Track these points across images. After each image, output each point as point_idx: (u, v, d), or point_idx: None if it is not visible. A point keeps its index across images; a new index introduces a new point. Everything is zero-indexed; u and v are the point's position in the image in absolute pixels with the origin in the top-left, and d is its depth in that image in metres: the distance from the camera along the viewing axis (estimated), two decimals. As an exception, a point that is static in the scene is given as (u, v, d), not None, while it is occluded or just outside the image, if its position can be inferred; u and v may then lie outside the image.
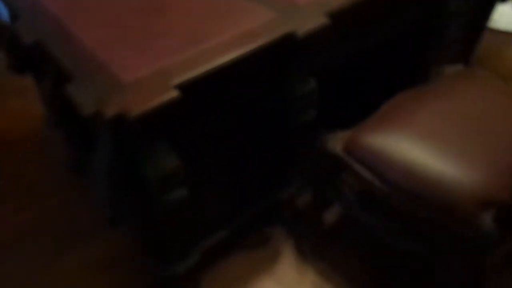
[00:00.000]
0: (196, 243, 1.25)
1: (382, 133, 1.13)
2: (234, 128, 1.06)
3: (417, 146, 1.06)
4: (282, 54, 0.97)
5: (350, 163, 1.13)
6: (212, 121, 0.99)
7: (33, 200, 1.54)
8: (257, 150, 1.21)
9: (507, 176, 1.02)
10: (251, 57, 0.91)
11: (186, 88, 0.82)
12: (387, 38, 1.29)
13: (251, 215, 1.37)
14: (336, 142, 1.18)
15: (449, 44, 1.54)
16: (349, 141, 1.15)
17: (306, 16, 0.98)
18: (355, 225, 1.40)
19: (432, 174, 1.00)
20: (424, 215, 1.04)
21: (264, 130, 1.15)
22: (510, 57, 2.09)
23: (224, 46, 0.90)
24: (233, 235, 1.34)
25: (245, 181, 1.27)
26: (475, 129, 1.09)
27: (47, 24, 0.98)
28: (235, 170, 1.21)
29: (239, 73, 0.94)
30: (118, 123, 0.77)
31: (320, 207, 1.46)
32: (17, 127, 1.80)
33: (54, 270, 1.35)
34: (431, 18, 1.42)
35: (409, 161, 1.04)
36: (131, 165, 0.87)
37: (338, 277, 1.36)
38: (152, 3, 1.02)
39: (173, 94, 0.79)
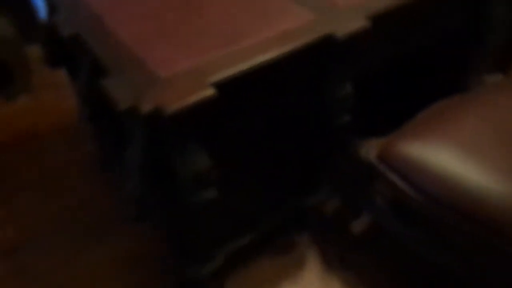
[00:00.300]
0: (221, 246, 1.23)
1: (420, 142, 1.09)
2: (266, 130, 1.04)
3: (458, 157, 1.02)
4: (320, 56, 0.95)
5: (384, 171, 1.09)
6: (245, 122, 0.97)
7: (60, 193, 1.55)
8: (287, 154, 1.19)
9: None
10: (288, 58, 0.88)
11: (222, 86, 0.80)
12: (426, 44, 1.25)
13: (278, 220, 1.35)
14: (370, 149, 1.14)
15: (490, 52, 1.48)
16: (384, 148, 1.11)
17: (346, 18, 0.95)
18: (385, 235, 1.36)
19: (476, 188, 0.96)
20: (465, 230, 0.99)
21: (296, 133, 1.13)
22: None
23: (261, 46, 0.88)
24: (258, 239, 1.32)
25: (274, 184, 1.25)
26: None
27: (85, 17, 0.99)
28: (265, 173, 1.19)
29: (275, 74, 0.91)
30: (153, 119, 0.75)
31: (348, 215, 1.43)
32: (49, 121, 1.82)
33: (77, 264, 1.35)
34: (473, 25, 1.37)
35: (449, 172, 0.99)
36: (163, 162, 0.86)
37: (364, 288, 1.32)
38: (190, 1, 1.01)
39: (209, 92, 0.77)
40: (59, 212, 1.49)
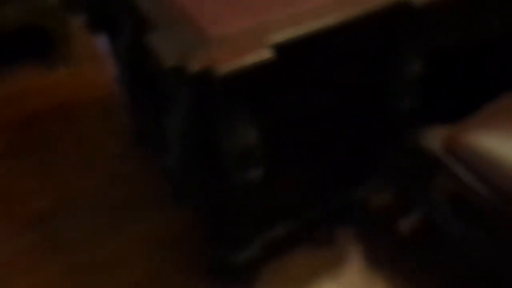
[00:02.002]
0: (259, 233, 1.15)
1: (492, 133, 0.98)
2: (322, 107, 0.94)
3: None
4: (391, 25, 0.83)
5: (450, 164, 0.99)
6: (301, 96, 0.88)
7: (95, 166, 1.51)
8: (340, 138, 1.09)
9: None
10: (356, 23, 0.78)
11: (281, 50, 0.70)
12: (505, 30, 1.11)
13: (322, 210, 1.25)
14: (434, 139, 1.04)
15: None
16: (452, 138, 1.00)
17: (425, -16, 0.83)
18: (438, 236, 1.25)
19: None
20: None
21: (353, 115, 1.02)
22: None
23: (326, 9, 0.77)
24: (300, 229, 1.24)
25: (321, 171, 1.16)
26: None
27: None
28: (313, 157, 1.09)
29: (338, 42, 0.81)
30: (201, 81, 0.66)
31: (400, 210, 1.32)
32: (87, 92, 1.79)
33: (109, 240, 1.31)
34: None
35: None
36: (209, 134, 0.77)
37: (410, 292, 1.22)
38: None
39: (267, 54, 0.67)
40: (94, 186, 1.45)
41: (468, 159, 0.96)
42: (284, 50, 0.71)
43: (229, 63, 0.65)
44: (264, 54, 0.67)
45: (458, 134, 0.99)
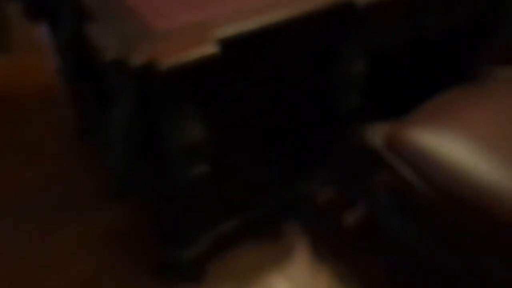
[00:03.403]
0: (206, 229, 1.14)
1: (431, 130, 1.01)
2: (266, 103, 0.94)
3: (471, 149, 0.94)
4: (335, 24, 0.85)
5: (390, 159, 1.02)
6: (246, 92, 0.87)
7: (35, 162, 1.45)
8: (286, 133, 1.09)
9: None
10: (301, 21, 0.78)
11: (226, 45, 0.70)
12: (443, 29, 1.16)
13: (269, 205, 1.26)
14: (376, 135, 1.07)
15: (503, 44, 1.41)
16: (392, 135, 1.03)
17: (368, -15, 0.85)
18: (380, 229, 1.29)
19: (488, 183, 0.88)
20: (473, 228, 0.92)
21: (298, 111, 1.03)
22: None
23: (273, 4, 0.77)
24: (246, 225, 1.23)
25: (267, 166, 1.16)
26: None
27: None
28: (259, 154, 1.10)
29: (284, 38, 0.81)
30: (146, 74, 0.65)
31: (343, 205, 1.36)
32: (25, 84, 1.70)
33: (52, 239, 1.26)
34: (489, 15, 1.29)
35: (463, 165, 0.92)
36: (153, 129, 0.75)
37: (354, 283, 1.26)
38: None
39: (213, 48, 0.67)
40: (33, 182, 1.39)
41: (408, 155, 0.99)
42: (229, 45, 0.70)
43: (173, 57, 0.64)
44: (209, 48, 0.66)
45: (398, 131, 1.03)
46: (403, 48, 1.09)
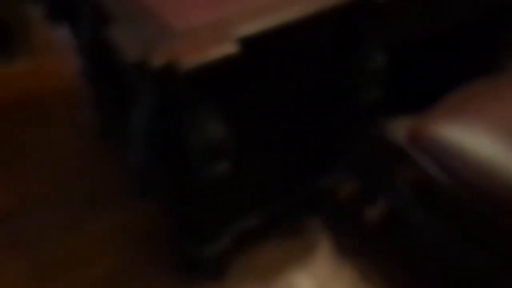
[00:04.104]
0: (228, 226, 1.14)
1: (455, 124, 0.99)
2: (287, 99, 0.94)
3: (497, 142, 0.92)
4: (356, 18, 0.84)
5: (413, 154, 1.00)
6: (266, 89, 0.87)
7: (59, 160, 1.47)
8: (305, 129, 1.09)
9: None
10: (320, 17, 0.77)
11: (246, 43, 0.70)
12: (466, 20, 1.14)
13: (290, 201, 1.26)
14: (398, 130, 1.05)
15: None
16: (415, 129, 1.01)
17: (388, -23, 0.84)
18: (402, 224, 1.28)
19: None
20: (498, 222, 0.90)
21: (318, 106, 1.03)
22: None
23: (291, 2, 0.77)
24: (268, 221, 1.23)
25: (288, 162, 1.16)
26: None
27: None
28: (279, 150, 1.09)
29: (303, 35, 0.81)
30: (166, 75, 0.65)
31: (365, 200, 1.35)
32: (49, 84, 1.73)
33: (73, 236, 1.28)
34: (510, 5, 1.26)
35: (490, 158, 0.90)
36: (173, 128, 0.76)
37: (376, 278, 1.25)
38: None
39: (233, 47, 0.66)
40: (57, 181, 1.41)
41: (431, 149, 0.97)
42: (248, 43, 0.70)
43: (193, 58, 0.64)
44: (229, 47, 0.66)
45: (421, 125, 1.01)
46: (424, 41, 1.07)
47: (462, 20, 1.12)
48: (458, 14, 1.10)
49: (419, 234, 1.16)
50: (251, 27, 0.70)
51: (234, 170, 0.86)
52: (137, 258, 1.23)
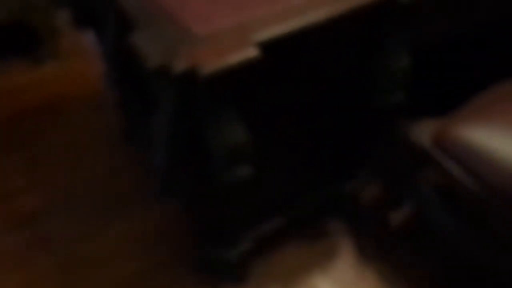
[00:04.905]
0: (250, 228, 1.14)
1: (482, 127, 0.97)
2: (308, 102, 0.93)
3: (525, 146, 0.90)
4: (380, 19, 0.82)
5: (438, 157, 0.98)
6: (288, 93, 0.86)
7: (84, 163, 1.50)
8: (328, 132, 1.08)
9: None
10: (343, 18, 0.77)
11: (267, 47, 0.69)
12: (492, 20, 1.11)
13: (312, 205, 1.25)
14: (423, 132, 1.03)
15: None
16: (440, 132, 0.99)
17: (411, -22, 0.82)
18: (427, 229, 1.25)
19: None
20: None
21: (341, 109, 1.01)
22: None
23: (313, 3, 0.76)
24: (289, 224, 1.23)
25: (310, 165, 1.15)
26: None
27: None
28: (302, 152, 1.09)
29: (326, 37, 0.80)
30: (187, 80, 0.65)
31: (388, 204, 1.33)
32: (73, 88, 1.77)
33: (99, 237, 1.30)
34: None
35: (515, 162, 0.87)
36: (196, 133, 0.76)
37: (400, 284, 1.22)
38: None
39: (253, 52, 0.66)
40: (83, 182, 1.44)
41: (457, 152, 0.95)
42: (270, 47, 0.70)
43: (214, 63, 0.64)
44: (250, 52, 0.66)
45: (446, 127, 0.99)
46: (449, 42, 1.04)
47: (488, 20, 1.09)
48: (483, 14, 1.07)
49: (445, 238, 1.13)
50: (272, 31, 0.70)
51: (256, 174, 0.86)
52: (159, 259, 1.24)
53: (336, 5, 0.75)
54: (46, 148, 1.55)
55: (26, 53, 1.88)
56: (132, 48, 0.70)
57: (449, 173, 0.96)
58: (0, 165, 1.49)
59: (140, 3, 0.79)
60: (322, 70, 0.87)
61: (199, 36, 0.70)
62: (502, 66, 1.19)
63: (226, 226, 1.09)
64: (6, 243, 1.29)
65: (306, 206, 1.24)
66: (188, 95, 0.70)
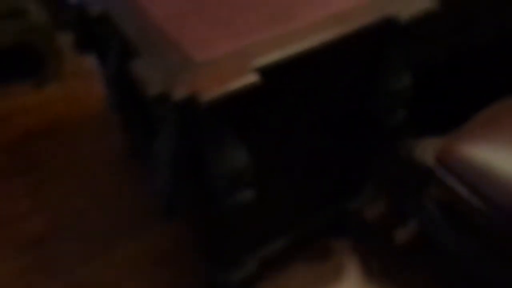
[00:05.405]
0: (254, 250, 1.13)
1: (484, 144, 0.96)
2: (310, 124, 0.93)
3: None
4: (379, 41, 0.83)
5: (443, 176, 0.98)
6: (288, 114, 0.86)
7: (88, 184, 1.50)
8: (331, 152, 1.07)
9: None
10: (342, 42, 0.77)
11: (267, 72, 0.70)
12: (493, 35, 1.11)
13: (316, 224, 1.24)
14: (426, 151, 1.03)
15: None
16: (444, 150, 0.99)
17: (409, -2, 0.83)
18: (432, 246, 1.24)
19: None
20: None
21: (342, 130, 1.01)
22: None
23: (312, 28, 0.77)
24: (294, 244, 1.22)
25: (314, 185, 1.14)
26: None
27: (115, -5, 0.89)
28: (305, 172, 1.08)
29: (325, 60, 0.80)
30: (187, 107, 0.65)
31: (393, 221, 1.32)
32: (78, 109, 1.77)
33: (104, 259, 1.29)
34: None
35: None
36: (198, 158, 0.76)
37: (407, 302, 1.20)
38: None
39: (253, 78, 0.66)
40: (87, 204, 1.44)
41: (460, 170, 0.95)
42: (270, 73, 0.70)
43: (214, 90, 0.64)
44: (249, 78, 0.66)
45: (449, 146, 0.98)
46: (450, 60, 1.04)
47: (487, 38, 1.09)
48: (483, 33, 1.07)
49: (450, 255, 1.12)
50: (271, 57, 0.70)
51: (259, 196, 0.86)
52: (163, 282, 1.23)
53: (335, 29, 0.75)
54: (49, 172, 1.55)
55: (29, 75, 1.90)
56: (133, 75, 0.70)
57: (453, 191, 0.95)
58: (3, 190, 1.49)
59: (141, 29, 0.79)
60: (323, 92, 0.86)
61: (199, 62, 0.71)
62: (502, 83, 1.19)
63: (230, 247, 1.08)
64: (13, 268, 1.29)
65: (310, 226, 1.23)
66: (189, 121, 0.70)
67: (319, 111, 0.90)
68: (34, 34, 1.79)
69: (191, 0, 0.83)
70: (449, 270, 1.23)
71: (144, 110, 1.01)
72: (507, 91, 1.08)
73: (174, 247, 1.30)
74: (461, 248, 1.05)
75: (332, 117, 0.94)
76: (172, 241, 1.32)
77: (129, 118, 1.16)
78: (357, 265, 1.27)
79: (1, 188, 1.49)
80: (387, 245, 1.31)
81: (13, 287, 1.25)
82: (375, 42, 0.83)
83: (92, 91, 1.80)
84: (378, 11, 0.78)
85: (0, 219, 1.41)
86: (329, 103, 0.90)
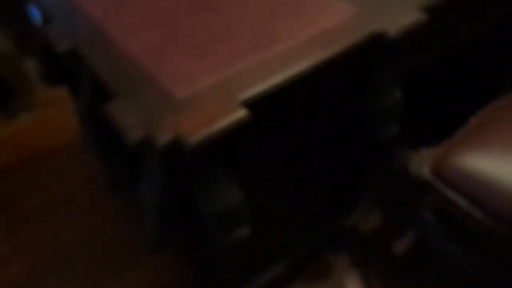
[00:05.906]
0: (253, 278, 1.08)
1: (480, 152, 0.94)
2: (301, 148, 0.88)
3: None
4: (367, 58, 0.78)
5: (439, 187, 0.95)
6: (278, 142, 0.81)
7: (69, 220, 1.43)
8: (324, 172, 1.03)
9: None
10: (331, 64, 0.72)
11: (254, 105, 0.65)
12: (479, 39, 1.08)
13: (314, 243, 1.20)
14: (421, 162, 1.00)
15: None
16: (439, 161, 0.96)
17: (396, 11, 0.79)
18: (431, 257, 1.22)
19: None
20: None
21: (335, 149, 0.97)
22: None
23: (297, 51, 0.72)
24: (293, 267, 1.17)
25: (309, 206, 1.10)
26: None
27: (84, 27, 0.83)
28: (299, 196, 1.04)
29: (314, 82, 0.75)
30: (172, 152, 0.60)
31: (389, 233, 1.29)
32: (52, 140, 1.69)
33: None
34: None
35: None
36: (187, 199, 0.70)
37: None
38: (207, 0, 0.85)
39: (241, 113, 0.61)
40: (70, 243, 1.37)
41: (456, 181, 0.92)
42: (257, 104, 0.65)
43: (201, 131, 0.59)
44: (238, 114, 0.61)
45: (443, 157, 0.96)
46: (438, 67, 1.01)
47: (474, 37, 1.06)
48: (469, 31, 1.04)
49: (453, 266, 1.10)
50: (258, 88, 0.65)
51: (254, 230, 0.80)
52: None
53: (322, 50, 0.71)
54: (27, 209, 1.47)
55: (-1, 108, 1.81)
56: (110, 118, 0.64)
57: (450, 202, 0.93)
58: (-20, 234, 1.41)
59: (114, 66, 0.73)
60: (312, 114, 0.82)
61: (180, 99, 0.65)
62: (491, 86, 1.17)
63: (228, 280, 1.03)
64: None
65: (308, 246, 1.19)
66: (175, 165, 0.65)
67: (310, 133, 0.86)
68: (1, 63, 1.70)
69: (165, 30, 0.77)
70: (449, 280, 1.21)
71: (125, 147, 0.95)
72: (497, 94, 1.06)
73: (166, 282, 1.24)
74: (462, 258, 1.03)
75: (325, 138, 0.90)
76: (163, 276, 1.26)
77: (108, 154, 1.10)
78: (357, 279, 1.25)
79: (-25, 231, 1.41)
80: (386, 257, 1.28)
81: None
82: (363, 59, 0.79)
83: (66, 120, 1.72)
84: (365, 28, 0.74)
85: (-23, 265, 1.33)
86: (319, 124, 0.86)
